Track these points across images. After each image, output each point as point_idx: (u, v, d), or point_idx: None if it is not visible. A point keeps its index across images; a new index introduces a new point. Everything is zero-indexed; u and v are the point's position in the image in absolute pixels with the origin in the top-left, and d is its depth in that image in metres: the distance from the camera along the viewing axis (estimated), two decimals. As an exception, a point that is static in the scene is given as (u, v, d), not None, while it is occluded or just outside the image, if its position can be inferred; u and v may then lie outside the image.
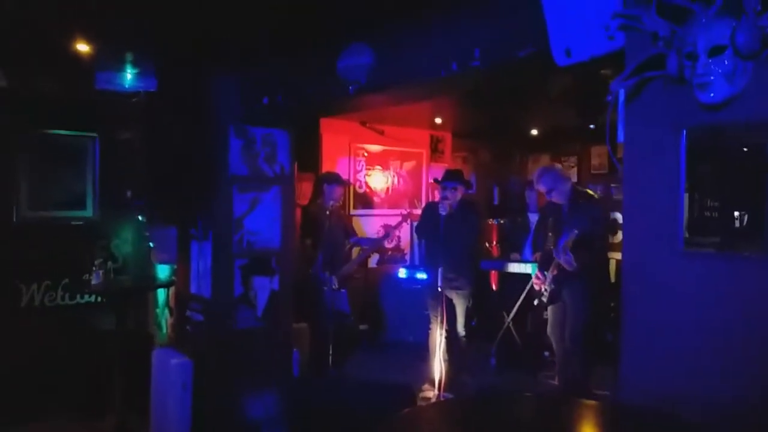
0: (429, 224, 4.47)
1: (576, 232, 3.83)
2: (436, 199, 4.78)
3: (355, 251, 5.24)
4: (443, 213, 4.20)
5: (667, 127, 1.78)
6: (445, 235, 4.21)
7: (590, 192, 4.36)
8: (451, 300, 4.44)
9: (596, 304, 4.30)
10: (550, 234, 4.18)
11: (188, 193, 3.51)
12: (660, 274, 1.84)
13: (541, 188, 4.15)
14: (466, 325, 4.57)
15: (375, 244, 5.24)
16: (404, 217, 5.01)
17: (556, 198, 4.13)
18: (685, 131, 1.75)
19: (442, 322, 4.29)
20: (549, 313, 4.35)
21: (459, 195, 4.45)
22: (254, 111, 3.56)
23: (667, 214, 1.80)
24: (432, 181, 5.91)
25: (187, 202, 3.56)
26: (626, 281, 1.94)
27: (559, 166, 4.26)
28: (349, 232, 5.08)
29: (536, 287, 4.24)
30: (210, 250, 3.70)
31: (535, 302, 4.35)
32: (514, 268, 5.25)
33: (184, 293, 3.95)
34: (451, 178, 4.54)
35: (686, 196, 1.77)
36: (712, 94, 1.63)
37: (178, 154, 3.56)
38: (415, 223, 5.02)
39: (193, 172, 3.52)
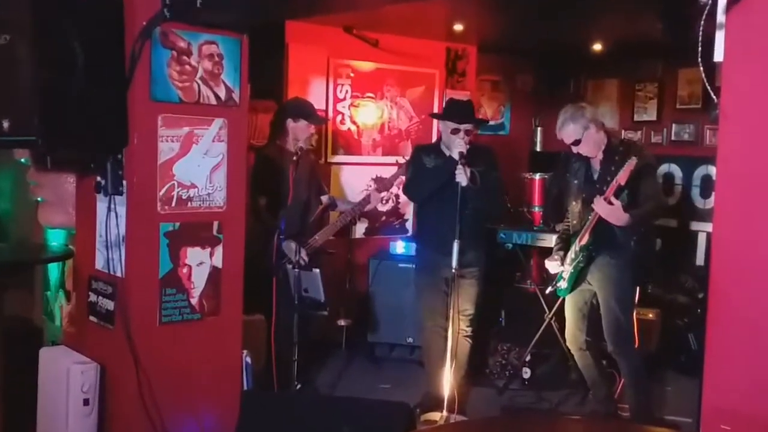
0: (426, 182, 4.51)
1: (634, 159, 3.97)
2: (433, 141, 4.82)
3: (334, 215, 5.24)
4: (463, 183, 4.25)
5: (787, 42, 1.77)
6: (453, 196, 4.25)
7: (630, 139, 4.54)
8: (445, 285, 4.52)
9: (636, 291, 4.55)
10: (574, 202, 4.30)
11: (92, 125, 3.48)
12: (766, 255, 1.85)
13: (565, 138, 4.30)
14: (476, 319, 4.64)
15: (356, 207, 5.21)
16: (402, 168, 5.01)
17: (584, 151, 4.28)
18: (812, 48, 1.74)
19: (454, 316, 4.36)
20: (567, 307, 4.48)
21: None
22: (189, 7, 3.51)
23: (780, 169, 1.81)
24: (433, 116, 5.86)
25: (90, 138, 3.53)
26: (717, 263, 1.96)
27: (589, 107, 4.37)
28: (321, 187, 5.08)
29: (551, 270, 4.37)
30: (124, 208, 3.70)
31: (548, 290, 4.48)
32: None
33: (86, 270, 3.96)
34: (469, 114, 4.55)
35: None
36: None
37: (79, 69, 3.51)
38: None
39: (99, 95, 3.49)
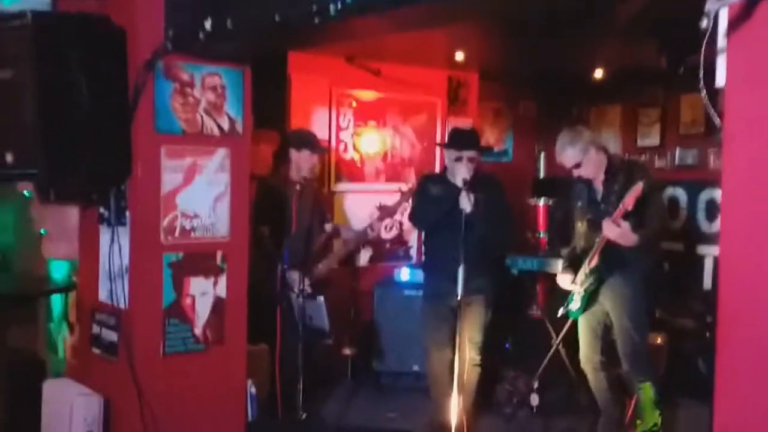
0: (431, 210, 4.51)
1: (641, 184, 3.98)
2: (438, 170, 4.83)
3: (337, 244, 5.24)
4: (467, 210, 4.24)
5: (789, 66, 1.77)
6: (458, 224, 4.26)
7: (632, 158, 4.59)
8: (452, 313, 4.50)
9: (651, 311, 4.53)
10: (579, 224, 4.32)
11: (96, 157, 3.49)
12: (774, 279, 1.84)
13: (566, 162, 4.32)
14: (484, 347, 4.61)
15: (358, 238, 5.21)
16: (405, 195, 5.02)
17: (585, 173, 4.32)
18: (815, 71, 1.74)
19: (461, 343, 4.34)
20: (580, 328, 4.48)
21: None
22: (192, 40, 3.53)
23: (785, 192, 1.80)
24: (439, 144, 5.92)
25: (93, 170, 3.54)
26: (724, 287, 1.94)
27: (586, 130, 4.41)
28: (325, 215, 5.08)
29: (563, 286, 4.37)
30: (127, 239, 3.69)
31: (560, 312, 4.48)
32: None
33: (89, 301, 3.95)
34: (471, 142, 4.57)
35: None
36: None
37: (82, 102, 3.54)
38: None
39: (102, 128, 3.50)
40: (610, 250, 4.16)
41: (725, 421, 1.97)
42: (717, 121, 1.91)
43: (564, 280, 4.43)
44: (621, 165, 4.36)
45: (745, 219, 1.90)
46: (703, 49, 1.81)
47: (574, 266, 4.39)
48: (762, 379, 1.88)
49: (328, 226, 5.09)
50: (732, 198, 1.94)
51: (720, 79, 1.93)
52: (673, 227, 6.39)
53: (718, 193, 5.38)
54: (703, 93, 1.84)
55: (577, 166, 4.26)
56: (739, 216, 1.92)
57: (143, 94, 3.62)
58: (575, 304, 4.39)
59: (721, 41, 1.91)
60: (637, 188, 3.98)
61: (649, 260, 4.38)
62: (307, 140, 4.88)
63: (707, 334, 5.30)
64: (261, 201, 4.75)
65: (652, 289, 4.45)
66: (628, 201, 3.99)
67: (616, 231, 4.04)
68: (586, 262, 4.27)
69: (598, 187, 4.33)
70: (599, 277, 4.26)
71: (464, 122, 6.58)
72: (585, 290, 4.31)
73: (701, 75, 1.83)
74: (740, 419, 1.93)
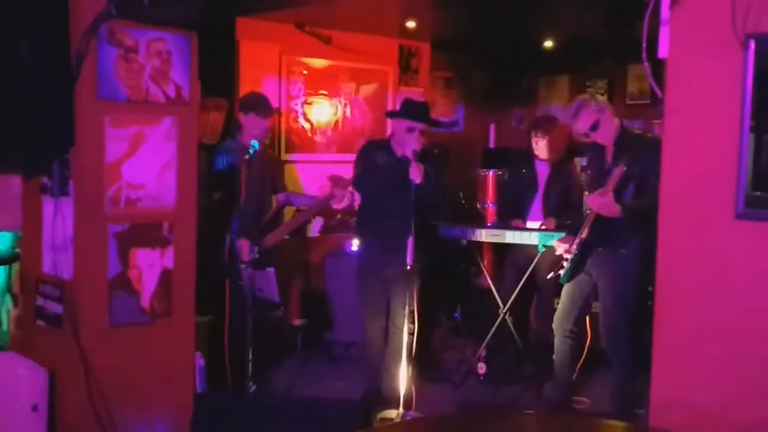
0: (378, 179, 4.57)
1: (624, 168, 4.03)
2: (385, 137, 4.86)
3: (288, 213, 5.22)
4: (417, 180, 4.27)
5: (729, 38, 1.80)
6: (401, 194, 4.30)
7: (645, 132, 4.58)
8: (388, 283, 4.58)
9: (645, 285, 4.47)
10: (587, 193, 4.34)
11: (38, 126, 3.43)
12: (709, 247, 1.89)
13: (580, 126, 4.30)
14: (415, 315, 4.67)
15: (316, 205, 5.22)
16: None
17: (601, 138, 4.31)
18: (753, 43, 1.77)
19: (405, 313, 4.41)
20: (563, 294, 4.55)
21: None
22: (137, 4, 3.47)
23: (723, 161, 1.84)
24: (390, 114, 5.93)
25: (35, 140, 3.48)
26: (663, 256, 1.99)
27: (602, 97, 4.43)
28: (278, 185, 5.06)
29: (564, 254, 4.39)
30: (71, 210, 3.64)
31: (550, 275, 4.54)
32: (515, 238, 5.34)
33: (33, 273, 3.90)
34: (425, 114, 4.58)
35: (752, 136, 1.80)
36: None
37: (21, 68, 3.46)
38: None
39: (44, 95, 3.43)
40: (604, 225, 4.18)
41: (662, 387, 2.03)
42: (658, 91, 1.95)
43: (558, 247, 4.47)
44: (633, 138, 4.33)
45: (682, 186, 1.94)
46: (645, 20, 1.84)
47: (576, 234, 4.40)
48: (696, 346, 1.94)
49: (281, 196, 5.06)
50: (671, 166, 1.98)
51: (662, 51, 1.97)
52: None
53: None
54: (645, 64, 1.88)
55: (594, 128, 4.23)
56: (676, 184, 1.96)
57: (86, 60, 3.55)
58: (563, 270, 4.42)
59: (664, 13, 1.94)
60: (617, 172, 4.03)
61: (646, 240, 4.36)
62: (255, 103, 4.80)
63: (648, 302, 5.44)
64: (212, 168, 4.71)
65: (645, 270, 4.42)
66: (610, 184, 4.05)
67: (600, 201, 4.08)
68: (579, 232, 4.31)
69: (608, 157, 4.31)
70: (583, 249, 4.28)
71: (416, 92, 6.60)
72: (570, 261, 4.33)
73: (644, 46, 1.86)
74: (676, 385, 1.99)
